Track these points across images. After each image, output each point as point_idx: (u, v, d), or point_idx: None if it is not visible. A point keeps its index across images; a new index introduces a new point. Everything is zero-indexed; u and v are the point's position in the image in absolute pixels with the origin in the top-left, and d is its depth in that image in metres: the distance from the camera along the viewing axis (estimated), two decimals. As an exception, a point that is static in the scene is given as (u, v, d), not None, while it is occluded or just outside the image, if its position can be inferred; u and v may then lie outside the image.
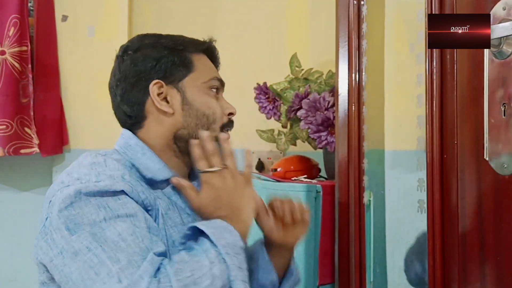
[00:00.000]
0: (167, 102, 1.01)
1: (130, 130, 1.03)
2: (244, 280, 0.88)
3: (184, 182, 0.99)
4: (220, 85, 1.06)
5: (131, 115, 1.02)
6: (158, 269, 0.82)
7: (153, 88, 1.00)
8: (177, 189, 1.00)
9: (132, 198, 0.90)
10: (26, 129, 2.15)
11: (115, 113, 1.05)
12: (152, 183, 0.98)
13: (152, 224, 0.91)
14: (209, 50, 1.08)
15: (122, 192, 0.90)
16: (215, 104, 1.03)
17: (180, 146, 1.01)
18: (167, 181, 1.00)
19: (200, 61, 1.04)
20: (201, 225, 0.90)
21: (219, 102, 1.04)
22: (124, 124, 1.05)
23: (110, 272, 0.80)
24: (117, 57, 1.04)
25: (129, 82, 1.01)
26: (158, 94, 1.00)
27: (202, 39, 1.08)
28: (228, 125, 1.05)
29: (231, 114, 1.06)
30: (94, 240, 0.83)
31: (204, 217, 0.97)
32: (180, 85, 1.01)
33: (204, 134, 0.98)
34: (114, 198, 0.88)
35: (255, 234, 1.07)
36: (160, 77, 1.00)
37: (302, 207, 1.10)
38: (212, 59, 1.08)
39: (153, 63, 1.00)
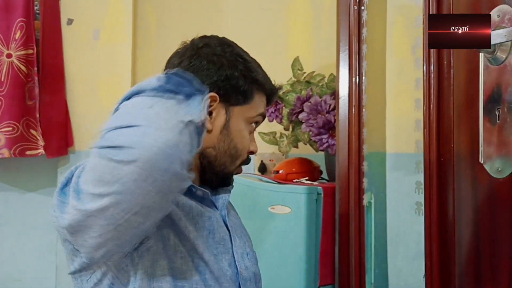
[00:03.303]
0: (211, 117, 0.96)
1: None
2: None
3: None
4: (262, 120, 1.05)
5: None
6: None
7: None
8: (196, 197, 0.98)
9: None
10: (32, 131, 2.18)
11: None
12: None
13: None
14: (271, 93, 1.06)
15: None
16: (247, 141, 1.02)
17: (203, 163, 0.99)
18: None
19: (258, 97, 1.02)
20: None
21: (250, 139, 1.03)
22: None
23: None
24: (192, 46, 1.00)
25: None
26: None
27: (273, 84, 1.07)
28: (246, 162, 1.04)
29: (251, 152, 1.04)
30: None
31: None
32: (230, 109, 0.98)
33: None
34: None
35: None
36: (219, 92, 0.96)
37: None
38: (268, 100, 1.07)
39: (223, 77, 0.97)
